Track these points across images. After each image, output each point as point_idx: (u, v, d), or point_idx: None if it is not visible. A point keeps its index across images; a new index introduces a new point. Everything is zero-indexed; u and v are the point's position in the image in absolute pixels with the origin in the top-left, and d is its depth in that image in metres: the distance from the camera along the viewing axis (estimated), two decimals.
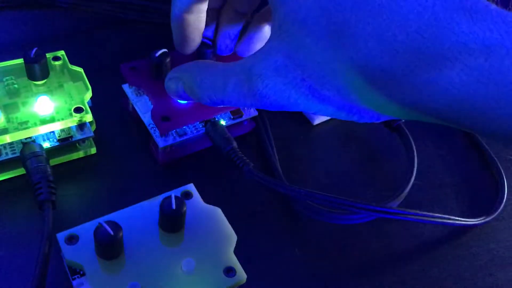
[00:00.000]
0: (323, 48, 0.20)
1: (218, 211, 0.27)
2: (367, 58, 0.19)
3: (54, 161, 0.31)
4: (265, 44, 0.23)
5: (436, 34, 0.18)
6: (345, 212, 0.30)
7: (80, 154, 0.32)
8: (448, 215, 0.32)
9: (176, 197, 0.25)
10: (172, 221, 0.25)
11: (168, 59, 0.32)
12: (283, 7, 0.22)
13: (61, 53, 0.33)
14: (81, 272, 0.25)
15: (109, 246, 0.23)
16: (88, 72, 0.32)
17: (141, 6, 0.41)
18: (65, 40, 0.40)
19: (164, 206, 0.24)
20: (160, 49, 0.32)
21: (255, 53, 0.24)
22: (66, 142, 0.31)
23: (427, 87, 0.19)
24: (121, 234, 0.23)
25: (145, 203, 0.26)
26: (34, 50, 0.30)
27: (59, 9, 0.41)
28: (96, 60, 0.38)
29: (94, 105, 0.32)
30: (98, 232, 0.23)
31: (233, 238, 0.26)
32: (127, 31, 0.41)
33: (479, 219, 0.32)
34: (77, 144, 0.32)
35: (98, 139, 0.32)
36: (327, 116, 0.24)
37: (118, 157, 0.33)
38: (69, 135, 0.31)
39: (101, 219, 0.25)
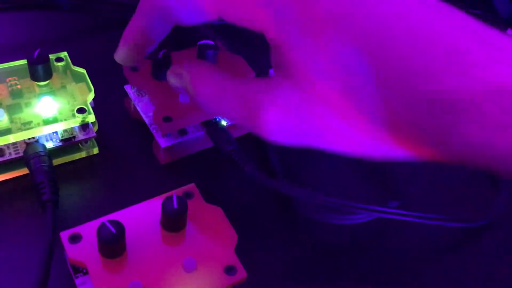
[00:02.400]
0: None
1: (219, 210, 0.27)
2: None
3: (57, 161, 0.31)
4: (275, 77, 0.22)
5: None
6: (345, 212, 0.30)
7: (83, 154, 0.32)
8: (446, 216, 0.32)
9: (177, 196, 0.25)
10: (173, 220, 0.25)
11: (169, 59, 0.32)
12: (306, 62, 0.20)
13: (64, 54, 0.33)
14: (84, 271, 0.25)
15: (112, 245, 0.23)
16: (91, 73, 0.33)
17: None
18: (68, 41, 0.40)
19: (166, 205, 0.25)
20: (161, 49, 0.32)
21: (261, 80, 0.22)
22: (69, 143, 0.31)
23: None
24: (123, 233, 0.24)
25: (147, 202, 0.27)
26: (37, 52, 0.30)
27: (62, 11, 0.42)
28: (99, 61, 0.39)
29: (97, 106, 0.33)
30: (101, 231, 0.23)
31: (234, 237, 0.26)
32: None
33: (477, 221, 0.33)
34: (79, 145, 0.32)
35: (100, 139, 0.33)
36: None
37: (120, 157, 0.33)
38: (72, 136, 0.31)
39: (104, 218, 0.25)
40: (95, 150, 0.32)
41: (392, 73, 0.18)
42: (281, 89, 0.21)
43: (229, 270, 0.25)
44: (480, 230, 0.33)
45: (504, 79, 0.17)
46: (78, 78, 0.32)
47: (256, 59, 0.36)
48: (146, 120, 0.32)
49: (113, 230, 0.23)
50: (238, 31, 0.32)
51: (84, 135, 0.31)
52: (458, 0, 0.54)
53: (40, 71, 0.30)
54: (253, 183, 0.31)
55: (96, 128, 0.33)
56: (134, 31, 0.27)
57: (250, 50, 0.38)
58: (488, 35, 0.18)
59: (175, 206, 0.24)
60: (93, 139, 0.32)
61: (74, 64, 0.33)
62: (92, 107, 0.31)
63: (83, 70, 0.33)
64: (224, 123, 0.33)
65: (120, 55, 0.28)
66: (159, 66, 0.32)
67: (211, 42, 0.33)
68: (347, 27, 0.19)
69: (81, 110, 0.30)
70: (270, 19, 0.21)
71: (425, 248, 0.32)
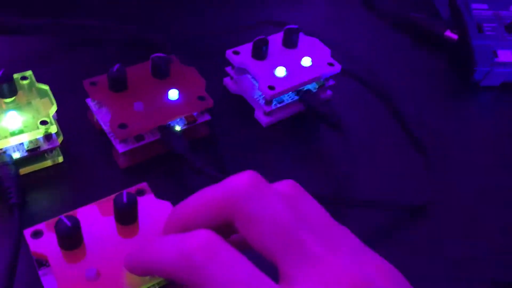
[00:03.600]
0: None
1: (169, 205, 0.30)
2: None
3: (25, 170, 0.34)
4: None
5: None
6: None
7: (48, 163, 0.35)
8: (385, 203, 0.35)
9: (127, 192, 0.28)
10: (124, 213, 0.28)
11: (123, 73, 0.35)
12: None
13: (29, 73, 0.36)
14: (47, 264, 0.28)
15: (68, 237, 0.26)
16: (57, 89, 0.36)
17: (101, 27, 0.45)
18: (35, 61, 0.43)
19: (117, 200, 0.28)
20: (116, 64, 0.35)
21: None
22: (34, 153, 0.34)
23: None
24: (79, 226, 0.26)
25: (103, 200, 0.30)
26: (1, 71, 0.33)
27: (26, 34, 0.45)
28: (65, 78, 0.42)
29: (63, 118, 0.36)
30: (58, 225, 0.26)
31: None
32: (92, 49, 0.45)
33: (414, 206, 0.36)
34: (45, 154, 0.35)
35: (65, 149, 0.36)
36: None
37: (83, 164, 0.36)
38: (37, 146, 0.34)
39: (62, 216, 0.28)
40: (60, 159, 0.35)
41: None
42: None
43: None
44: (417, 213, 0.36)
45: None
46: (42, 93, 0.36)
47: None
48: (105, 129, 0.36)
49: (68, 223, 0.26)
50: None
51: (48, 145, 0.34)
52: (403, 5, 0.58)
53: (5, 89, 0.34)
54: (206, 182, 0.34)
55: (61, 138, 0.36)
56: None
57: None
58: None
59: (125, 200, 0.27)
60: (58, 148, 0.35)
61: (42, 81, 0.36)
62: (56, 120, 0.34)
63: (46, 87, 0.36)
64: (178, 128, 0.36)
65: None
66: (114, 79, 0.35)
67: (163, 55, 0.37)
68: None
69: (44, 122, 0.33)
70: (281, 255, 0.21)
71: (368, 234, 0.35)
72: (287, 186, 0.23)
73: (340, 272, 0.20)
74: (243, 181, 0.22)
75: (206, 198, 0.23)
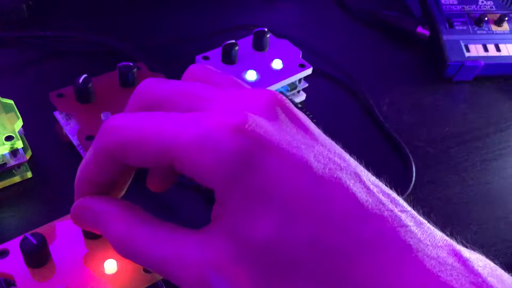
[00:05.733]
0: None
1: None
2: None
3: None
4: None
5: None
6: None
7: (17, 179, 0.34)
8: None
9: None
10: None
11: (90, 84, 0.34)
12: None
13: None
14: (15, 283, 0.27)
15: (35, 255, 0.26)
16: (24, 103, 0.35)
17: (66, 38, 0.44)
18: None
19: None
20: (82, 75, 0.34)
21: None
22: (1, 169, 0.33)
23: None
24: (45, 243, 0.26)
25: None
26: None
27: None
28: (32, 91, 0.41)
29: (30, 133, 0.35)
30: (23, 243, 0.25)
31: None
32: (59, 61, 0.44)
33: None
34: (13, 170, 0.34)
35: (34, 163, 0.35)
36: None
37: (53, 178, 0.35)
38: (3, 162, 0.33)
39: (27, 234, 0.27)
40: (29, 174, 0.35)
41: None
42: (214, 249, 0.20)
43: (147, 270, 0.27)
44: None
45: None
46: (7, 108, 0.35)
47: None
48: (74, 142, 0.35)
49: (34, 241, 0.25)
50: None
51: (15, 160, 0.33)
52: (374, 2, 0.58)
53: None
54: (182, 193, 0.34)
55: (29, 153, 0.35)
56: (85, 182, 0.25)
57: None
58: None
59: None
60: (26, 163, 0.34)
61: (6, 96, 0.35)
62: (23, 134, 0.34)
63: (11, 101, 0.35)
64: None
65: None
66: (81, 90, 0.34)
67: (130, 63, 0.36)
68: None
69: (9, 138, 0.32)
70: (220, 184, 0.19)
71: None
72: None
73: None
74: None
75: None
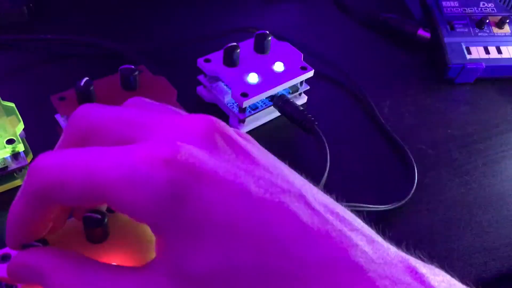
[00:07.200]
0: None
1: None
2: None
3: None
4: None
5: None
6: None
7: (18, 182, 0.34)
8: (363, 203, 0.35)
9: (96, 211, 0.27)
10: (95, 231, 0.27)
11: (91, 87, 0.34)
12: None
13: None
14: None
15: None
16: (26, 106, 0.35)
17: (68, 41, 0.44)
18: (1, 78, 0.42)
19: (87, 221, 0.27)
20: (84, 78, 0.34)
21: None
22: (2, 172, 0.33)
23: None
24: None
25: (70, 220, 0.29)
26: None
27: None
28: (33, 94, 0.41)
29: (31, 136, 0.35)
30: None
31: None
32: (60, 64, 0.44)
33: (392, 205, 0.36)
34: (14, 174, 0.34)
35: None
36: None
37: None
38: (5, 166, 0.33)
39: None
40: None
41: None
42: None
43: None
44: (393, 214, 0.36)
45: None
46: (8, 111, 0.35)
47: None
48: None
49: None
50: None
51: (16, 164, 0.33)
52: (375, 5, 0.58)
53: None
54: None
55: (30, 156, 0.35)
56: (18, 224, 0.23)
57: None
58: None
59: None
60: (27, 167, 0.34)
61: (8, 99, 0.35)
62: (24, 137, 0.34)
63: (12, 104, 0.35)
64: None
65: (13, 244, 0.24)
66: (82, 93, 0.34)
67: (131, 66, 0.36)
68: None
69: (10, 141, 0.32)
70: (153, 220, 0.19)
71: None
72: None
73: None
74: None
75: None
